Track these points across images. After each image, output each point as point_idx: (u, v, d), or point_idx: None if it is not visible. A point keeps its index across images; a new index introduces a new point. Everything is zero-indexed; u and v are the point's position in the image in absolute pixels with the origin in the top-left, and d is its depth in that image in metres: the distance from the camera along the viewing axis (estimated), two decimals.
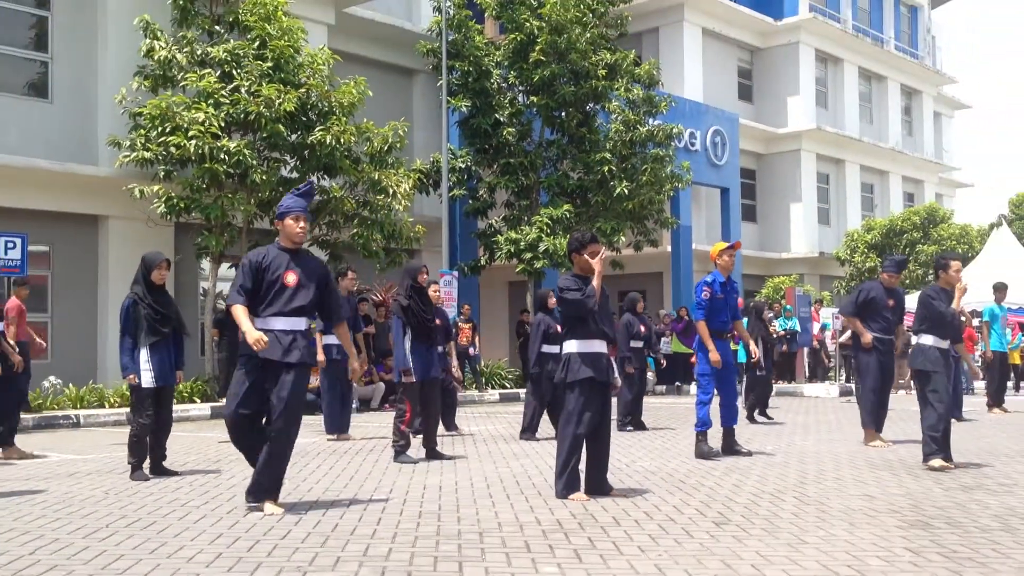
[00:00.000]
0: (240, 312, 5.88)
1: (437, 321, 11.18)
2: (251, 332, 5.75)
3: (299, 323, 5.99)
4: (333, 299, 6.27)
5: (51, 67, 16.36)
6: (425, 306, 8.83)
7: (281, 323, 5.92)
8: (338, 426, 10.81)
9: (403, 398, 8.70)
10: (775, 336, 20.80)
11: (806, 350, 22.86)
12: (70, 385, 14.61)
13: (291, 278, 5.97)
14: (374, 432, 11.45)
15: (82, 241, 16.43)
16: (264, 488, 5.91)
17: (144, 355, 7.55)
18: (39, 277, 15.85)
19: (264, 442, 5.92)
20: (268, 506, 5.85)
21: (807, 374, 22.99)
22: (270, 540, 5.03)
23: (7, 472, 8.11)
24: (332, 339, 10.81)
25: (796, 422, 12.78)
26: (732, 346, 10.62)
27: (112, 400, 14.42)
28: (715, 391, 8.66)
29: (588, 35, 20.42)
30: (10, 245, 13.42)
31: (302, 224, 6.03)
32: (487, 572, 4.35)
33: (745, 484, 6.97)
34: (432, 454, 8.72)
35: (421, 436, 8.90)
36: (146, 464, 7.70)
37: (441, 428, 10.02)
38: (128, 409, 8.78)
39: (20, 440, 11.42)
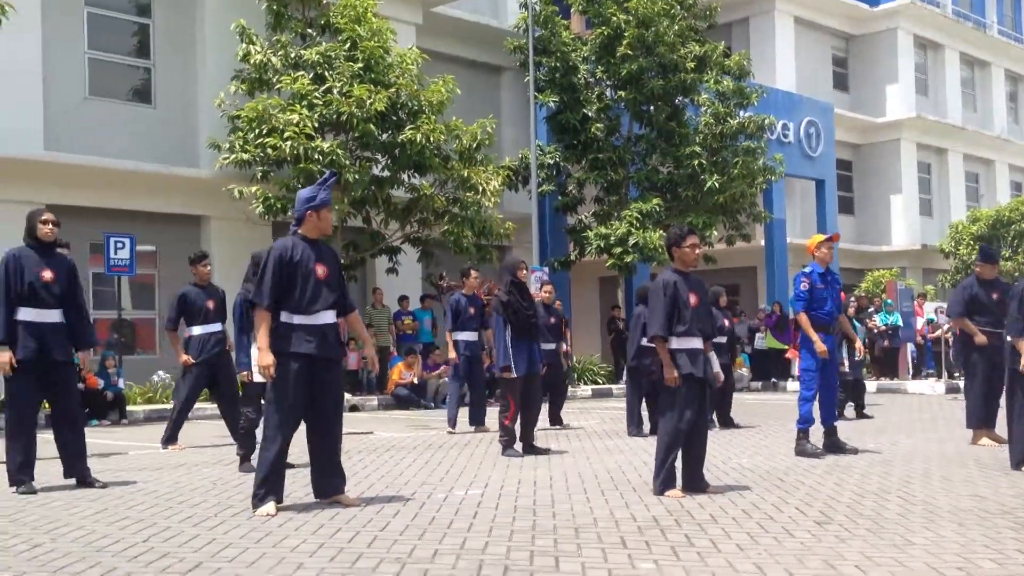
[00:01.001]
0: (264, 323, 5.77)
1: (552, 319, 11.28)
2: (266, 354, 5.71)
3: (334, 315, 6.02)
4: (346, 287, 6.25)
5: (154, 73, 16.94)
6: (525, 302, 8.83)
7: (327, 317, 5.93)
8: (478, 419, 10.95)
9: (506, 394, 8.76)
10: (875, 331, 20.32)
11: (910, 346, 22.18)
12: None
13: (321, 270, 5.92)
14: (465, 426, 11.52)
15: (186, 241, 16.95)
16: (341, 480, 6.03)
17: (255, 351, 7.74)
18: (146, 276, 16.46)
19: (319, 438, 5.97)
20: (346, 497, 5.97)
21: (910, 370, 22.31)
22: (370, 532, 5.13)
23: (120, 462, 8.44)
24: (461, 335, 10.97)
25: (900, 420, 12.42)
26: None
27: None
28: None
29: (676, 27, 20.18)
30: (119, 245, 13.98)
31: (332, 216, 6.08)
32: (583, 567, 4.36)
33: (847, 483, 6.82)
34: (529, 449, 8.76)
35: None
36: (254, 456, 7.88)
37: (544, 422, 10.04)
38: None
39: (131, 432, 11.89)
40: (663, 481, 6.31)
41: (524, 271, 9.06)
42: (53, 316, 6.78)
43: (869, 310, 19.89)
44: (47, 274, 6.75)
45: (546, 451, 8.84)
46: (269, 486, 5.74)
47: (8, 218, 14.01)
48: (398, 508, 5.86)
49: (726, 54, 21.35)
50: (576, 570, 4.30)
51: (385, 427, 11.81)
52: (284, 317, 5.83)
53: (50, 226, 6.87)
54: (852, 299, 17.78)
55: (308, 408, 5.86)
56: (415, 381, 15.60)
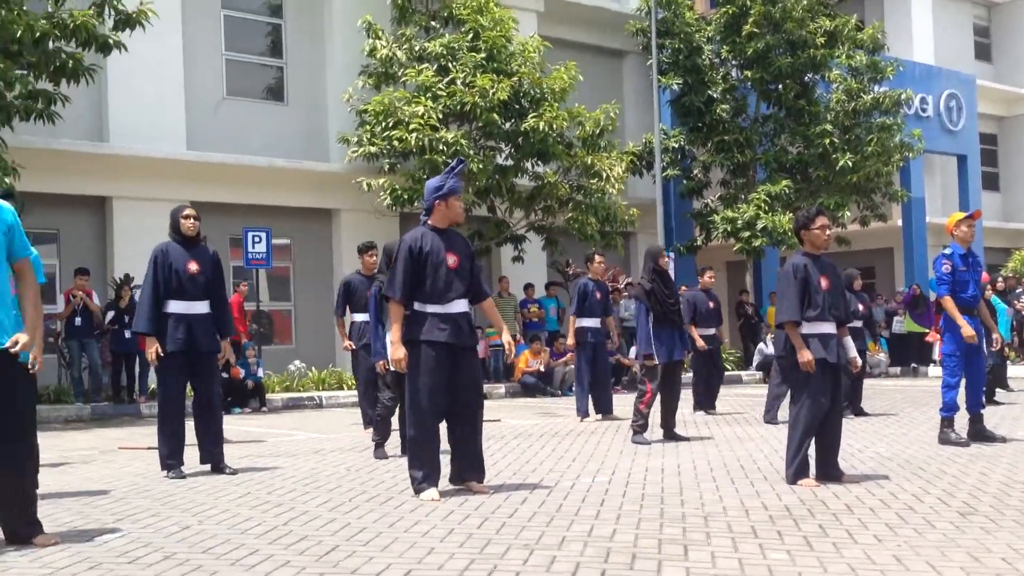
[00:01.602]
0: (396, 315, 5.84)
1: (711, 304, 11.15)
2: (398, 347, 5.78)
3: (467, 304, 6.04)
4: (479, 274, 6.24)
5: (286, 72, 17.52)
6: (667, 289, 8.82)
7: (460, 306, 5.96)
8: (605, 406, 10.94)
9: (644, 379, 8.76)
10: (1023, 313, 19.26)
11: None
12: (312, 368, 15.65)
13: (452, 259, 5.94)
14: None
15: (318, 233, 17.53)
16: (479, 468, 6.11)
17: (388, 341, 7.90)
18: (282, 268, 17.08)
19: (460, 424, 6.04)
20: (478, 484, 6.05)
21: None
22: (498, 518, 5.20)
23: (260, 448, 8.80)
24: (586, 322, 10.95)
25: None
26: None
27: (350, 383, 15.31)
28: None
29: (805, 2, 19.57)
30: (256, 239, 14.54)
31: (461, 204, 6.06)
32: (713, 556, 4.30)
33: (993, 473, 6.51)
34: (670, 435, 8.74)
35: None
36: (395, 444, 8.07)
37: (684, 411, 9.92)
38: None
39: (271, 420, 12.38)
40: (796, 470, 6.16)
41: (666, 258, 9.04)
42: (200, 307, 7.08)
43: (1017, 291, 18.89)
44: (193, 266, 7.06)
45: (687, 438, 8.77)
46: (425, 473, 5.85)
47: (154, 214, 14.78)
48: (526, 495, 5.91)
49: (858, 27, 20.59)
50: (705, 559, 4.26)
51: (512, 415, 11.93)
52: (417, 307, 5.90)
53: (191, 220, 7.19)
54: (999, 278, 16.94)
55: (449, 396, 5.94)
56: (541, 369, 15.68)
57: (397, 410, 8.12)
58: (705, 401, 11.71)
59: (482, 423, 6.18)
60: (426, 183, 6.24)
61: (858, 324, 11.21)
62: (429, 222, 6.04)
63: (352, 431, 10.21)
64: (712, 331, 11.79)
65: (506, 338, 6.36)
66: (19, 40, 11.76)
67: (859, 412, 10.98)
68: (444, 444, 6.03)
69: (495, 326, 6.47)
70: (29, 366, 4.61)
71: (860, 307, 11.27)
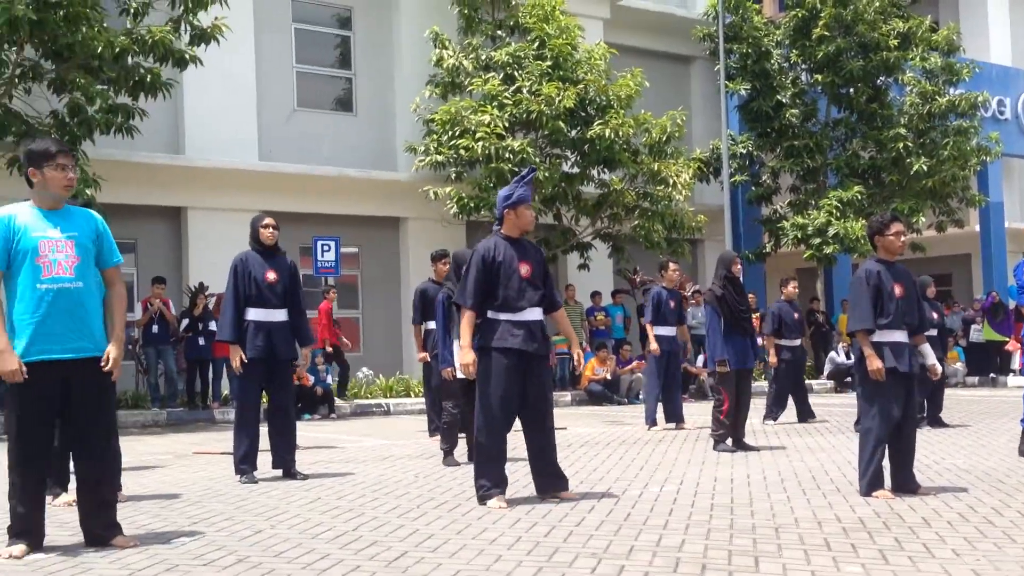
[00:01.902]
0: (468, 322, 5.86)
1: (796, 315, 11.01)
2: (467, 352, 5.80)
3: (540, 313, 6.03)
4: (552, 284, 6.22)
5: (355, 82, 17.77)
6: (739, 296, 8.78)
7: (533, 314, 5.97)
8: (675, 415, 10.87)
9: (720, 388, 8.72)
10: None
11: None
12: (380, 376, 15.81)
13: (524, 268, 5.95)
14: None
15: (385, 241, 17.72)
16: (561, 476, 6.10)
17: (456, 347, 7.95)
18: (350, 277, 17.30)
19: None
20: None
21: None
22: (565, 527, 5.19)
23: (329, 454, 8.92)
24: (660, 330, 10.89)
25: None
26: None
27: (416, 390, 15.43)
28: None
29: (877, 4, 19.22)
30: (326, 248, 14.76)
31: (532, 212, 6.06)
32: (784, 569, 4.24)
33: None
34: (739, 445, 8.66)
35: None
36: (463, 451, 8.12)
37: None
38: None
39: (339, 426, 12.52)
40: (869, 481, 6.03)
41: (739, 266, 8.99)
42: (279, 316, 7.20)
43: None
44: (271, 275, 7.20)
45: (756, 448, 8.68)
46: (491, 481, 5.87)
47: (227, 224, 15.13)
48: (593, 504, 5.90)
49: (933, 28, 20.18)
50: (777, 571, 4.19)
51: (579, 423, 11.90)
52: (490, 315, 5.94)
53: (270, 230, 7.33)
54: None
55: (520, 404, 5.95)
56: (608, 377, 15.62)
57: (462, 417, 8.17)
58: (778, 412, 11.59)
59: (554, 430, 6.18)
60: (498, 192, 6.27)
61: (933, 333, 10.94)
62: (501, 231, 6.08)
63: (419, 438, 10.29)
64: (798, 342, 11.73)
65: (576, 351, 6.39)
66: (100, 56, 12.13)
67: (937, 423, 10.69)
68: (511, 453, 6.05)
69: (566, 337, 6.45)
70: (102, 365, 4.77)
71: (934, 315, 11.01)
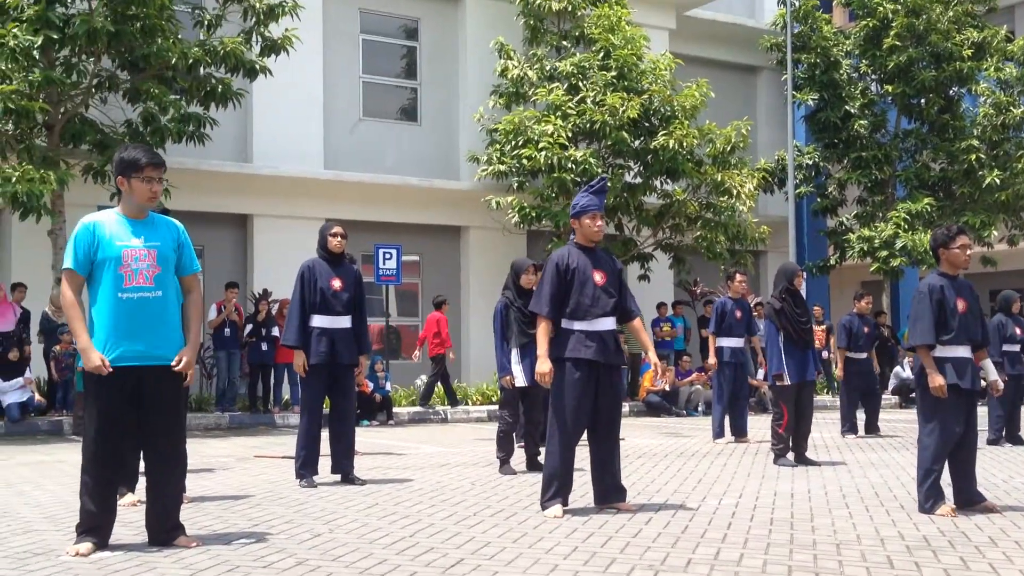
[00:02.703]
0: (544, 331, 5.86)
1: (866, 329, 11.10)
2: (544, 361, 5.78)
3: (613, 322, 6.02)
4: (626, 293, 6.17)
5: (419, 92, 17.95)
6: (799, 309, 8.69)
7: (606, 323, 5.96)
8: (739, 428, 10.75)
9: (779, 402, 8.65)
10: None
11: None
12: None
13: (599, 276, 5.93)
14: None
15: (446, 250, 17.84)
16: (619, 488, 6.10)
17: (515, 356, 7.96)
18: (411, 285, 17.44)
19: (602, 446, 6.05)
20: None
21: None
22: (622, 538, 5.17)
23: (387, 461, 9.00)
24: (724, 341, 10.76)
25: None
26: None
27: (474, 398, 15.49)
28: None
29: (951, 13, 18.85)
30: (387, 256, 14.90)
31: (599, 223, 5.99)
32: None
33: None
34: (801, 459, 8.54)
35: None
36: (519, 460, 8.14)
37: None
38: (496, 407, 9.38)
39: (397, 433, 12.62)
40: (927, 496, 5.90)
41: (800, 278, 8.89)
42: (343, 322, 7.29)
43: None
44: (336, 283, 7.31)
45: (817, 463, 8.55)
46: (556, 489, 5.88)
47: (292, 231, 15.39)
48: (651, 515, 5.86)
49: (1008, 38, 19.71)
50: None
51: (637, 433, 11.83)
52: (564, 324, 5.95)
53: (339, 238, 7.45)
54: None
55: (590, 415, 5.94)
56: (667, 388, 15.50)
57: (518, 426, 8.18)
58: (853, 428, 11.52)
59: (619, 442, 6.17)
60: (571, 202, 6.30)
61: (1015, 347, 10.68)
62: (575, 240, 6.10)
63: (476, 446, 10.33)
64: (864, 355, 11.65)
65: (653, 358, 6.29)
66: (173, 67, 12.46)
67: (1016, 441, 10.44)
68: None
69: (643, 347, 6.39)
70: (184, 377, 4.90)
71: (1018, 331, 10.73)
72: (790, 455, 8.56)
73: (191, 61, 12.47)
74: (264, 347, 13.86)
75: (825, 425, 13.30)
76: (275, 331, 13.76)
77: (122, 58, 12.62)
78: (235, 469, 8.37)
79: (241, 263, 16.14)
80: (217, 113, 13.41)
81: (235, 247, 16.21)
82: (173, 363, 4.84)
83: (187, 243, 5.05)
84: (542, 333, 5.91)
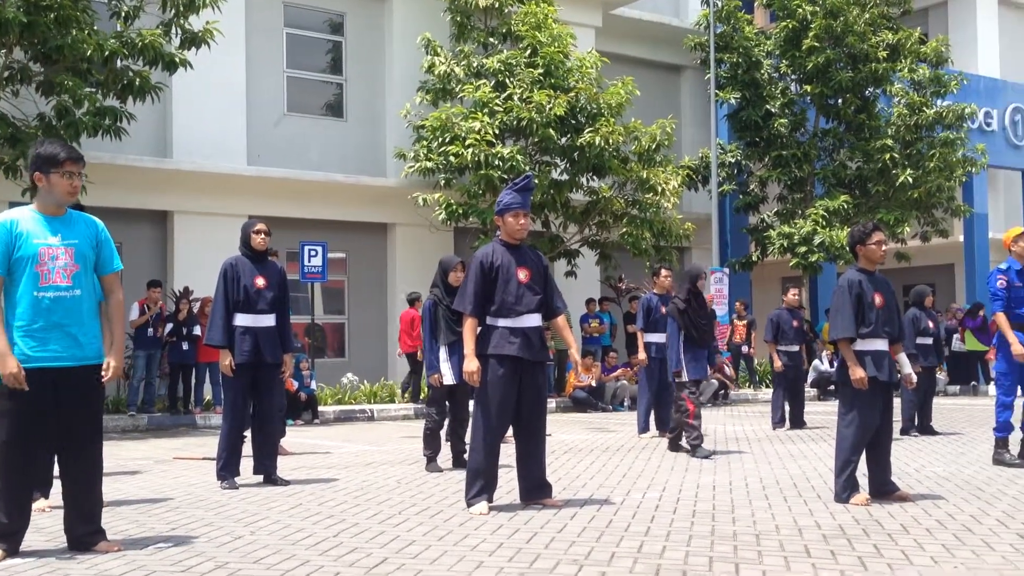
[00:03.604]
0: (470, 329, 5.86)
1: (795, 322, 11.56)
2: (472, 360, 5.78)
3: (539, 319, 6.04)
4: (552, 290, 6.20)
5: (345, 88, 17.77)
6: (701, 310, 9.04)
7: (531, 320, 5.98)
8: (663, 422, 10.79)
9: (681, 396, 8.96)
10: None
11: None
12: (364, 381, 15.79)
13: (523, 274, 5.97)
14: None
15: (373, 247, 17.71)
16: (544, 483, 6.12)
17: (443, 354, 7.93)
18: (336, 282, 17.27)
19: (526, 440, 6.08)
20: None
21: None
22: (547, 533, 5.19)
23: (311, 460, 8.90)
24: (650, 337, 10.80)
25: None
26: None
27: (401, 396, 15.40)
28: (1019, 392, 7.91)
29: (867, 16, 19.35)
30: (312, 253, 14.72)
31: (523, 220, 6.03)
32: (764, 575, 4.25)
33: None
34: (676, 447, 9.14)
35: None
36: (446, 457, 8.11)
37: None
38: (423, 404, 9.34)
39: (323, 432, 12.49)
40: (843, 486, 6.08)
41: (704, 280, 9.28)
42: (267, 321, 7.19)
43: None
44: (260, 281, 7.20)
45: (688, 449, 9.00)
46: (481, 486, 5.88)
47: (214, 228, 15.11)
48: (575, 510, 5.90)
49: (922, 40, 20.30)
50: None
51: (563, 429, 11.90)
52: (489, 321, 5.96)
53: (262, 236, 7.34)
54: None
55: (514, 411, 5.96)
56: (593, 384, 15.63)
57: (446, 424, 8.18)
58: (782, 420, 11.75)
59: (545, 438, 6.19)
60: (496, 198, 6.30)
61: (928, 341, 11.03)
62: (500, 237, 6.11)
63: (402, 443, 10.28)
64: (796, 348, 11.89)
65: (576, 356, 6.35)
66: (89, 59, 12.10)
67: (928, 431, 10.78)
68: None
69: (566, 344, 6.43)
70: (101, 375, 4.78)
71: (930, 324, 11.09)
72: (705, 444, 8.91)
73: (107, 53, 12.13)
74: (185, 346, 13.59)
75: (748, 418, 13.56)
76: (196, 330, 13.49)
77: (35, 50, 12.21)
78: (153, 472, 8.19)
79: (161, 261, 15.79)
80: (135, 107, 13.08)
81: (155, 244, 15.84)
82: (101, 373, 4.74)
83: (107, 240, 4.93)
84: (468, 331, 5.91)
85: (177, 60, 12.96)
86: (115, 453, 9.50)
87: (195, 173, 15.51)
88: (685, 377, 8.95)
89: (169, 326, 13.67)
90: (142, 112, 13.66)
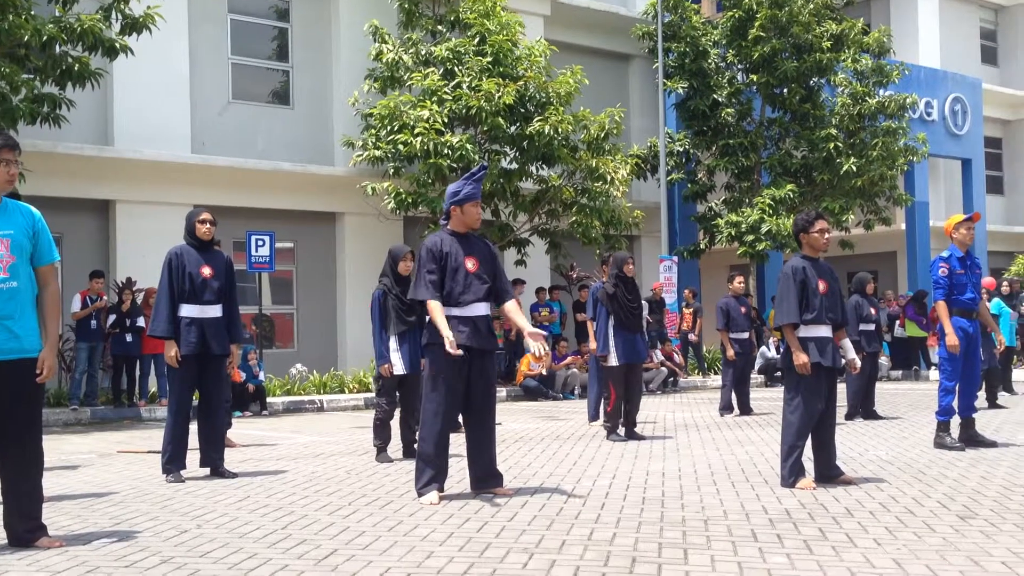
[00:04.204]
0: (439, 313, 5.82)
1: (743, 309, 11.69)
2: (449, 335, 5.72)
3: (487, 307, 6.03)
4: (502, 277, 6.20)
5: (292, 75, 17.54)
6: (631, 295, 9.26)
7: (479, 309, 5.97)
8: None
9: (607, 382, 9.27)
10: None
11: None
12: (314, 372, 15.66)
13: (471, 263, 5.97)
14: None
15: (321, 237, 17.54)
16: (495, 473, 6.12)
17: (393, 343, 7.87)
18: (285, 272, 17.08)
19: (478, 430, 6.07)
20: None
21: None
22: (498, 522, 5.19)
23: (260, 452, 8.80)
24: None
25: None
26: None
27: (351, 386, 15.32)
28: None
29: (811, 6, 19.58)
30: (260, 243, 14.53)
31: (478, 210, 6.07)
32: (713, 560, 4.30)
33: (994, 476, 6.49)
34: (632, 435, 9.16)
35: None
36: (396, 447, 8.07)
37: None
38: (373, 394, 9.29)
39: (271, 423, 12.35)
40: (790, 471, 6.17)
41: (631, 266, 9.48)
42: (213, 311, 7.08)
43: (1022, 295, 18.84)
44: (206, 270, 7.09)
45: (646, 437, 9.19)
46: (431, 475, 5.85)
47: (158, 218, 14.85)
48: (526, 499, 5.91)
49: (865, 31, 20.59)
50: (705, 563, 4.25)
51: (513, 418, 11.92)
52: None
53: (207, 225, 7.22)
54: (1004, 282, 16.91)
55: (463, 399, 5.95)
56: (543, 372, 15.67)
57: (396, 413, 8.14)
58: (730, 406, 11.84)
59: (495, 426, 6.18)
60: (447, 187, 6.25)
61: (871, 327, 11.23)
62: (448, 227, 6.08)
63: (352, 434, 10.21)
64: (745, 336, 12.03)
65: (531, 342, 6.08)
66: (26, 44, 11.80)
67: (872, 416, 10.98)
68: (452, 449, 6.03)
69: (518, 327, 6.33)
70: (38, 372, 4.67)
71: (872, 311, 11.29)
72: (621, 430, 9.15)
73: (45, 39, 11.83)
74: (129, 338, 13.34)
75: (697, 405, 13.70)
76: (140, 321, 13.25)
77: None
78: (97, 466, 8.04)
79: (103, 251, 15.47)
80: (74, 94, 12.79)
81: (96, 234, 15.51)
82: (36, 372, 4.64)
83: (44, 231, 4.81)
84: (438, 315, 5.82)
85: (118, 46, 12.69)
86: (57, 447, 9.30)
87: (137, 161, 15.22)
88: (612, 362, 9.16)
89: (112, 317, 13.41)
90: (82, 99, 13.37)
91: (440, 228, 6.20)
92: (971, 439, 8.10)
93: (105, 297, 13.57)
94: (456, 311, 5.91)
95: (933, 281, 8.09)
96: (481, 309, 5.99)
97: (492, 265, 6.11)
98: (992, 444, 8.10)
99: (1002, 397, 13.08)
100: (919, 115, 23.86)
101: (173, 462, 7.00)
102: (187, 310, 7.03)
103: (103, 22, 12.49)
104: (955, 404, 8.04)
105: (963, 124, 25.48)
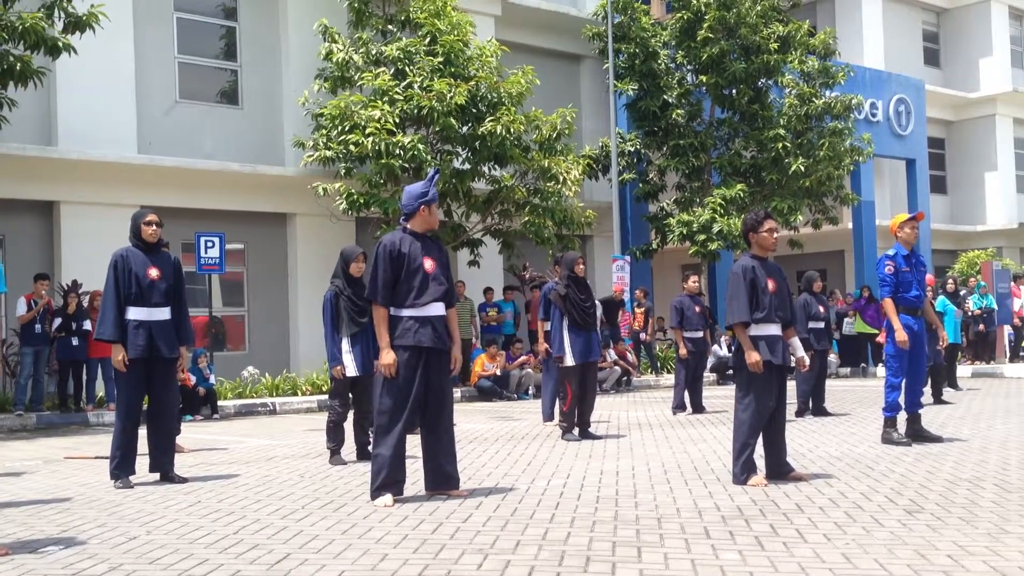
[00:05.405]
0: (383, 320, 5.82)
1: (697, 308, 11.91)
2: (388, 352, 5.74)
3: (443, 308, 6.02)
4: (452, 282, 6.22)
5: (240, 75, 17.34)
6: (583, 295, 9.35)
7: (436, 309, 5.96)
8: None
9: (563, 381, 9.30)
10: (969, 314, 19.65)
11: (1007, 328, 21.40)
12: (266, 374, 15.50)
13: (428, 263, 5.97)
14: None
15: (272, 238, 17.36)
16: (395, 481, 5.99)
17: (345, 345, 7.82)
18: (235, 274, 16.87)
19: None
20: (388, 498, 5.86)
21: (1007, 354, 21.52)
22: (452, 523, 5.18)
23: (211, 456, 8.69)
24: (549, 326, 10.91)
25: (996, 406, 12.01)
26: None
27: (304, 388, 15.19)
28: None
29: (759, 8, 19.83)
30: (209, 244, 14.35)
31: (436, 211, 6.13)
32: (666, 558, 4.33)
33: (940, 471, 6.63)
34: (585, 434, 9.23)
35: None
36: (350, 449, 8.02)
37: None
38: (326, 397, 9.20)
39: (223, 427, 12.21)
40: (741, 468, 6.25)
41: (582, 266, 9.58)
42: (162, 314, 6.97)
43: (963, 292, 19.27)
44: (153, 272, 6.97)
45: (600, 437, 9.24)
46: (385, 477, 5.82)
47: (104, 219, 14.57)
48: (480, 500, 5.91)
49: (811, 33, 20.90)
50: (658, 560, 4.28)
51: (468, 419, 11.90)
52: (393, 311, 5.91)
53: (153, 227, 7.09)
54: (948, 279, 17.27)
55: (420, 400, 5.92)
56: (498, 372, 15.68)
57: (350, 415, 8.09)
58: (683, 404, 11.91)
59: (452, 426, 6.17)
60: (407, 189, 6.22)
61: (820, 325, 11.40)
62: (408, 227, 6.05)
63: (305, 436, 10.12)
64: (700, 334, 12.14)
65: (455, 352, 6.11)
66: None
67: (821, 412, 11.13)
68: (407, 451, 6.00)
69: (451, 336, 6.40)
70: None
71: (821, 309, 11.45)
72: (575, 431, 9.20)
73: None
74: (75, 342, 13.08)
75: (650, 403, 13.80)
76: (86, 325, 13.00)
77: None
78: (43, 472, 7.88)
79: (48, 253, 15.15)
80: (16, 93, 12.52)
81: (40, 237, 15.18)
82: None
83: None
84: (381, 321, 5.84)
85: (60, 44, 12.43)
86: (2, 454, 9.10)
87: (82, 162, 14.93)
88: (568, 362, 9.20)
89: (57, 321, 13.13)
90: (24, 98, 13.10)
91: (398, 227, 6.16)
92: (917, 434, 8.26)
93: (48, 299, 13.30)
94: (414, 312, 5.90)
95: (879, 279, 8.24)
96: (438, 309, 5.98)
97: (446, 267, 6.13)
98: (938, 439, 8.27)
99: (947, 393, 13.37)
100: (864, 116, 24.27)
101: (122, 468, 6.88)
102: (134, 313, 6.91)
103: (45, 20, 12.23)
104: (901, 400, 8.20)
105: (907, 125, 25.97)
